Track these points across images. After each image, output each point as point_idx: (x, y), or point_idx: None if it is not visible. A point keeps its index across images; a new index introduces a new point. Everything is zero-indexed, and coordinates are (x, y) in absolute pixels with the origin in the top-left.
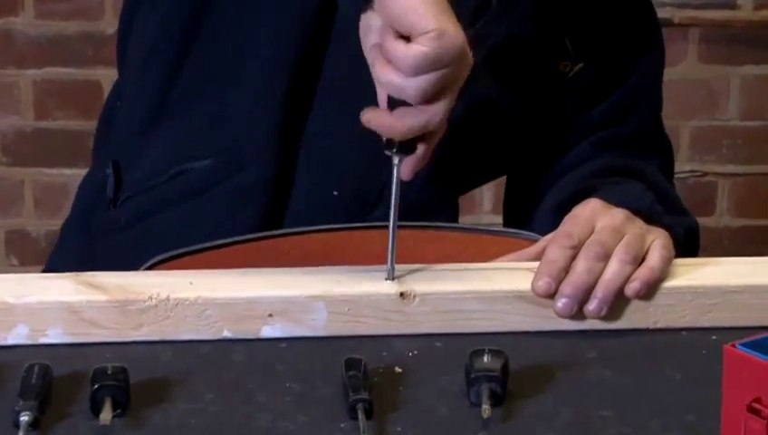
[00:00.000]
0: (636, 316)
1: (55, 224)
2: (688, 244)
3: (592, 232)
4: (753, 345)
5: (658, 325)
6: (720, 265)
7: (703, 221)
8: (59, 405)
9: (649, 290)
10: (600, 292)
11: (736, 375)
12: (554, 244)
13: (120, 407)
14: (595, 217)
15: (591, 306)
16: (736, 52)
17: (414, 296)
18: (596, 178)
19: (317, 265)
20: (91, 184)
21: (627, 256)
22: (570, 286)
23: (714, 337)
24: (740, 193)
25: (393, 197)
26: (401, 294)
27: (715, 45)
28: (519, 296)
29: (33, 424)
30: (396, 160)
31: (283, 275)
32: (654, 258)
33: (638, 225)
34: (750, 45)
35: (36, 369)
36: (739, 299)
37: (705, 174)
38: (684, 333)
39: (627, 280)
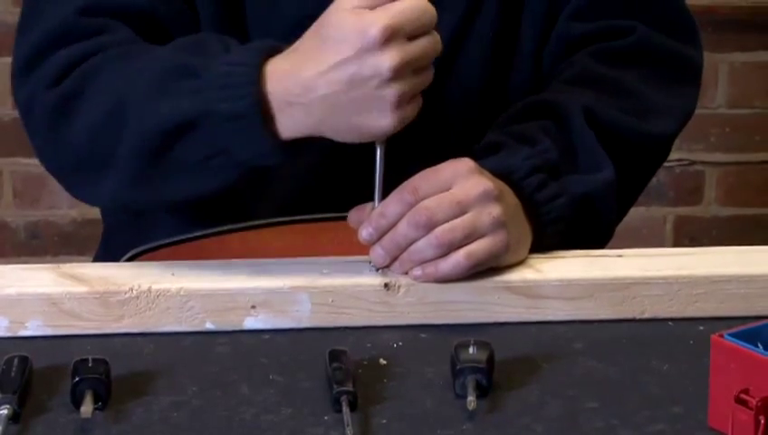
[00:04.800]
0: (622, 307)
1: (35, 215)
2: (585, 207)
3: (446, 190)
4: (740, 335)
5: (645, 315)
6: (707, 254)
7: (691, 210)
8: (39, 398)
9: (434, 281)
10: (400, 261)
11: (724, 366)
12: (398, 194)
13: (102, 400)
14: (455, 180)
15: (393, 266)
16: (724, 38)
17: (399, 287)
18: (509, 125)
19: (301, 255)
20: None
21: (437, 240)
22: (386, 242)
23: (701, 327)
24: (728, 182)
25: (377, 179)
26: (386, 285)
27: (702, 32)
28: (505, 287)
29: (13, 417)
30: (378, 143)
31: (267, 265)
32: (459, 255)
33: (489, 210)
34: (737, 32)
35: (16, 361)
36: (726, 289)
37: (693, 163)
38: (671, 323)
39: (424, 260)
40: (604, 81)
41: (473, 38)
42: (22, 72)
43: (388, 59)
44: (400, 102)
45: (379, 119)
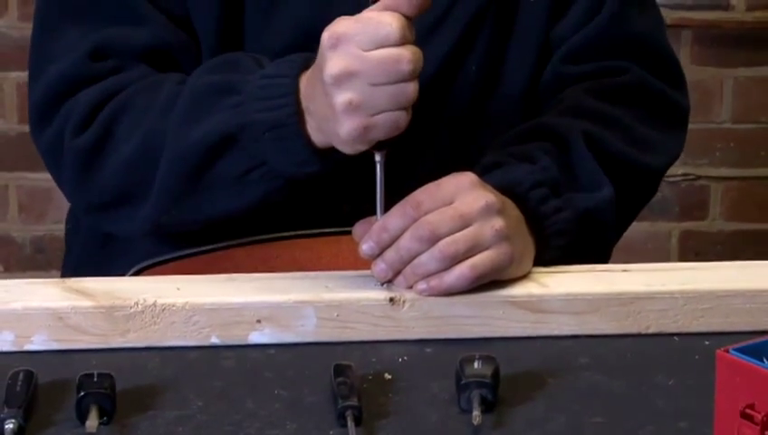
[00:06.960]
0: (628, 321)
1: (40, 229)
2: (587, 223)
3: (449, 204)
4: (746, 350)
5: (651, 331)
6: (713, 269)
7: (696, 225)
8: (44, 413)
9: (439, 294)
10: (404, 275)
11: (729, 381)
12: (400, 208)
13: (107, 414)
14: (457, 194)
15: (397, 280)
16: (729, 53)
17: (403, 302)
18: (508, 147)
19: (306, 269)
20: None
21: (440, 253)
22: (389, 256)
23: (706, 342)
24: (733, 197)
25: (378, 194)
26: (391, 300)
27: (707, 47)
28: (510, 302)
29: (18, 432)
30: (378, 157)
31: (272, 280)
32: (464, 266)
33: (492, 223)
34: (743, 47)
35: (21, 376)
36: (732, 304)
37: (698, 177)
38: (676, 338)
39: (428, 274)
40: (596, 113)
41: (468, 58)
42: (40, 119)
43: (328, 64)
44: (349, 110)
45: (335, 125)
